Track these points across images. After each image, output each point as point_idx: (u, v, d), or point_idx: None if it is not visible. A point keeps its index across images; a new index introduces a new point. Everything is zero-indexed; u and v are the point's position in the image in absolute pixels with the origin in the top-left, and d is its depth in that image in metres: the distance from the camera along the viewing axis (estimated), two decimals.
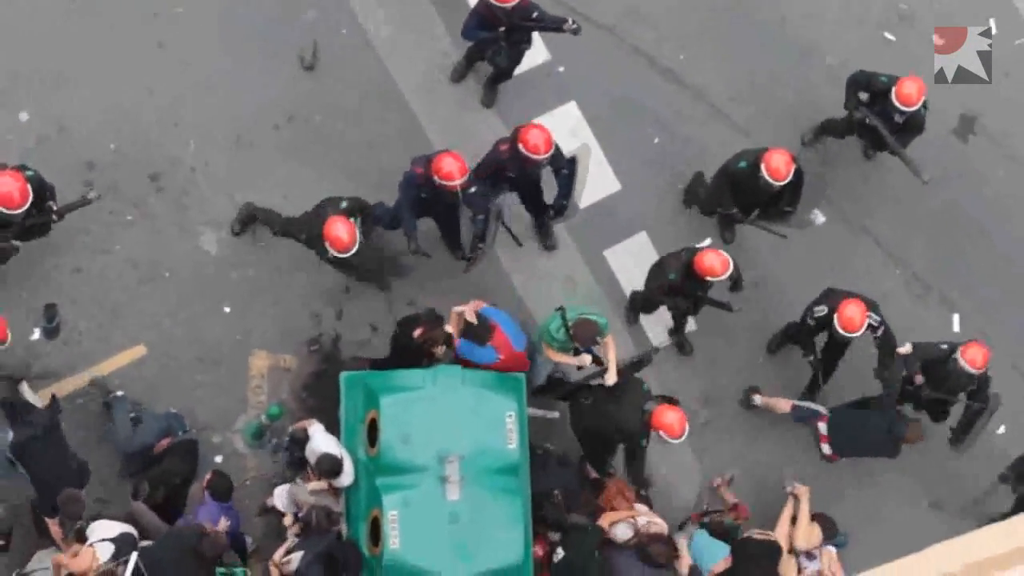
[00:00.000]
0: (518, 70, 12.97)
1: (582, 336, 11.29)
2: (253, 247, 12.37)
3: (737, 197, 12.30)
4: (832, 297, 11.97)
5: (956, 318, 13.55)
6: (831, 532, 11.99)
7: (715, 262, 11.57)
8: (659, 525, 11.40)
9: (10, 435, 10.50)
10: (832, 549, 11.97)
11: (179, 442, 11.30)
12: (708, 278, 11.62)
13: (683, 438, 11.26)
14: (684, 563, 11.35)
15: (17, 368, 11.51)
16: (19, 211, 10.60)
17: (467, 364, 11.34)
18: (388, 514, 10.61)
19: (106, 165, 12.30)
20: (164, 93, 12.62)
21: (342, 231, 10.90)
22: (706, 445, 12.81)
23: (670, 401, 11.82)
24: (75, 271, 11.99)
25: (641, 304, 12.68)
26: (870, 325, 11.81)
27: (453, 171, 11.25)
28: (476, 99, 13.27)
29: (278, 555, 10.79)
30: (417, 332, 11.27)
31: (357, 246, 10.98)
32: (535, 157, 11.47)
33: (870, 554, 11.39)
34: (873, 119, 12.60)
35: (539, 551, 11.32)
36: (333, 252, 10.99)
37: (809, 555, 11.89)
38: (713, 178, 12.52)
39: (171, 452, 11.20)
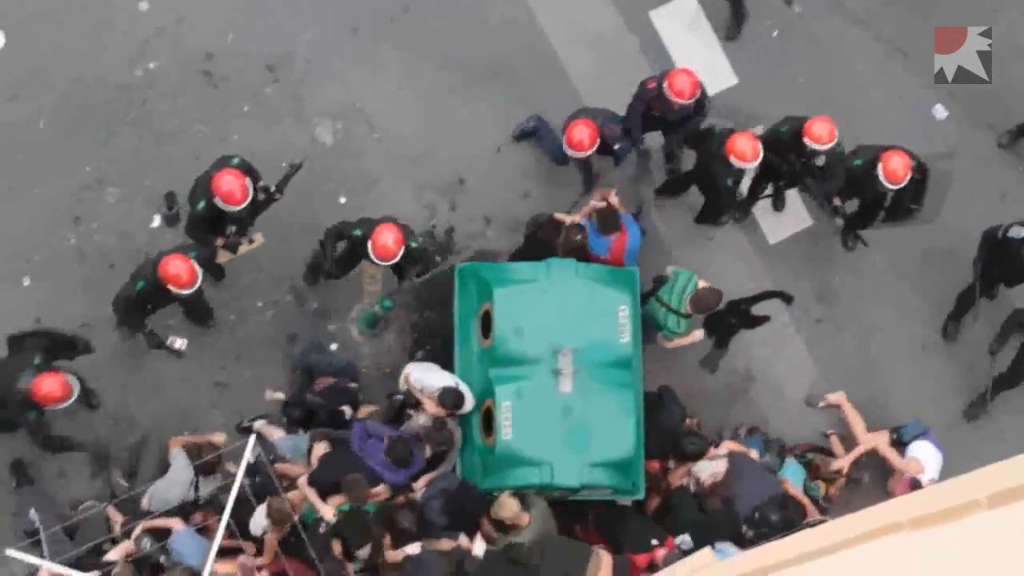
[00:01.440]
0: None
1: (706, 307, 11.23)
2: (368, 137, 12.40)
3: (849, 193, 11.92)
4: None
5: None
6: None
7: (823, 131, 11.30)
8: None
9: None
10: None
11: (340, 388, 11.46)
12: (813, 144, 11.33)
13: (756, 161, 11.24)
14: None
15: None
16: (242, 207, 10.74)
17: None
18: (501, 405, 10.71)
19: (224, 55, 12.41)
20: None
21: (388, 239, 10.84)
22: (819, 342, 12.69)
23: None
24: (194, 159, 12.10)
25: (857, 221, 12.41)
26: None
27: (584, 140, 11.36)
28: None
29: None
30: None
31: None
32: (680, 101, 11.46)
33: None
34: None
35: (655, 464, 11.34)
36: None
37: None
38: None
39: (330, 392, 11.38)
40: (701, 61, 12.91)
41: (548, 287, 10.97)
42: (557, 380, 10.80)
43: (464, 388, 10.88)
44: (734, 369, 12.44)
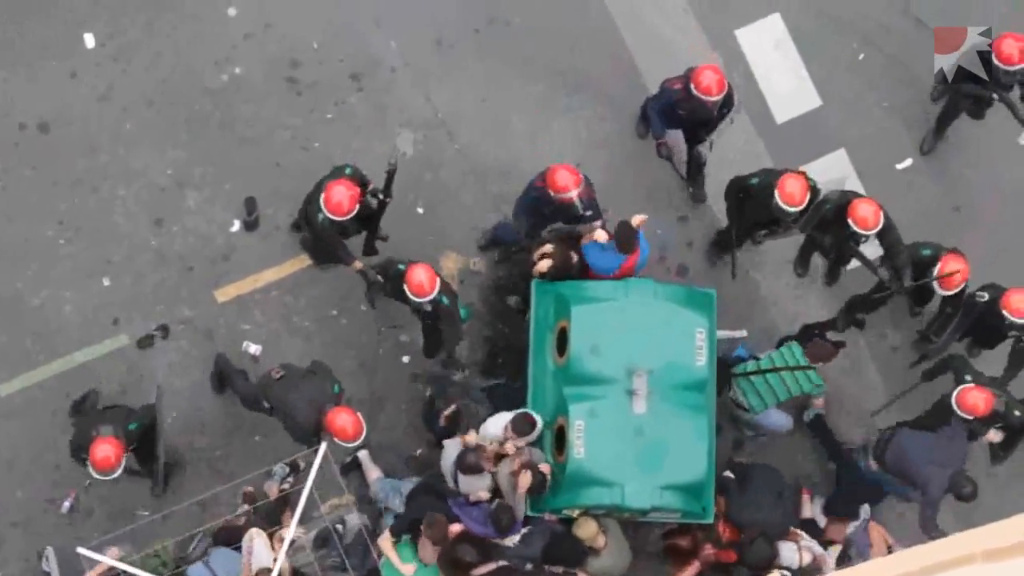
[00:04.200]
0: None
1: (824, 356, 11.23)
2: (449, 148, 12.44)
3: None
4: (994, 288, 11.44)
5: None
6: None
7: (868, 213, 10.98)
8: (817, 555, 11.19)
9: None
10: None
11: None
12: (857, 228, 11.03)
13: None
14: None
15: None
16: (347, 218, 10.76)
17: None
18: (574, 423, 10.68)
19: (309, 63, 12.46)
20: None
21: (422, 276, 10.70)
22: (893, 370, 12.53)
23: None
24: (275, 166, 12.21)
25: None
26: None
27: (568, 183, 10.99)
28: (674, 5, 13.01)
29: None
30: None
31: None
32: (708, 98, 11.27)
33: None
34: None
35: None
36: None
37: None
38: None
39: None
40: (785, 81, 12.89)
41: (626, 306, 10.93)
42: (631, 400, 10.76)
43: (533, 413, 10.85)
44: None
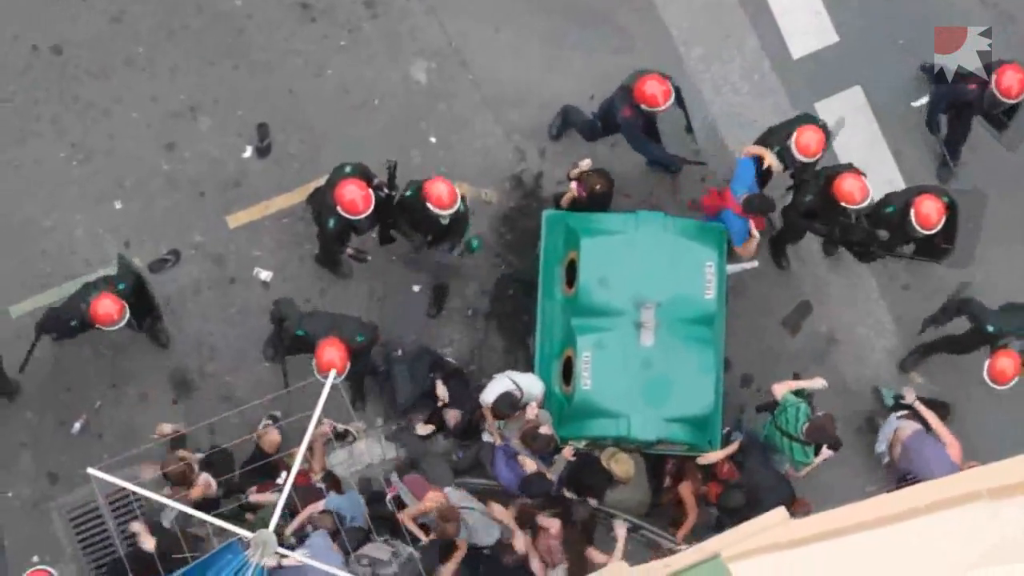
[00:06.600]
0: None
1: (824, 436, 10.67)
2: (462, 78, 12.40)
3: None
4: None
5: None
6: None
7: (853, 187, 10.78)
8: None
9: None
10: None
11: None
12: (845, 204, 10.87)
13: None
14: None
15: None
16: (363, 216, 10.68)
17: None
18: (582, 355, 10.73)
19: None
20: None
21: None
22: (904, 309, 12.52)
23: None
24: (288, 92, 12.18)
25: (787, 234, 12.09)
26: None
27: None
28: None
29: None
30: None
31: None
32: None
33: None
34: None
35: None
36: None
37: None
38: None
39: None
40: (802, 16, 12.78)
41: (635, 239, 10.96)
42: (639, 333, 10.79)
43: (526, 381, 10.81)
44: (816, 331, 12.32)
